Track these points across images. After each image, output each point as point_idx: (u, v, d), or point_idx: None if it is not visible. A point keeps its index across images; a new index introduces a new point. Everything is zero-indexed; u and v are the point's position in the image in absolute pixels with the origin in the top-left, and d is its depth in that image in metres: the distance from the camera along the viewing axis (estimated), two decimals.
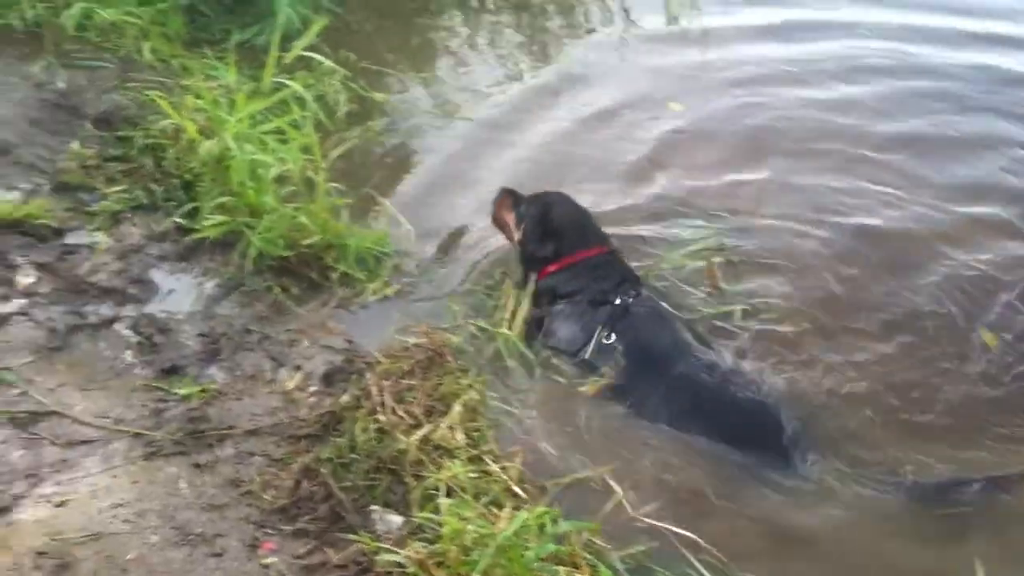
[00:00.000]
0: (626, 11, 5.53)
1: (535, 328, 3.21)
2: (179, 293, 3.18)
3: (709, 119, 4.50)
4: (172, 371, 2.86)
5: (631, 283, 3.29)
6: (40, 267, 3.12)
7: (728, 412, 2.97)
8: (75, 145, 3.63)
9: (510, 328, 3.16)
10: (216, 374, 2.89)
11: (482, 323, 3.21)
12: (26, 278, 3.06)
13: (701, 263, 3.51)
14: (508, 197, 3.49)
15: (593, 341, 3.12)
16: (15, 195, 3.35)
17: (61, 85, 3.91)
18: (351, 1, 5.09)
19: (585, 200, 3.55)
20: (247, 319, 3.11)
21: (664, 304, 3.28)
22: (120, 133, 3.75)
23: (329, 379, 2.92)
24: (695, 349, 3.11)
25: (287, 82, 3.49)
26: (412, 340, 3.04)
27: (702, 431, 2.94)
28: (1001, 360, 3.18)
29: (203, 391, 2.79)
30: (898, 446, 2.89)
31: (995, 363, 3.17)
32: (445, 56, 4.97)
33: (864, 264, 3.61)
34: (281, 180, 3.46)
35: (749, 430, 2.95)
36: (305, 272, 3.35)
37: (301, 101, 3.48)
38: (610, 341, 3.11)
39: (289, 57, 3.47)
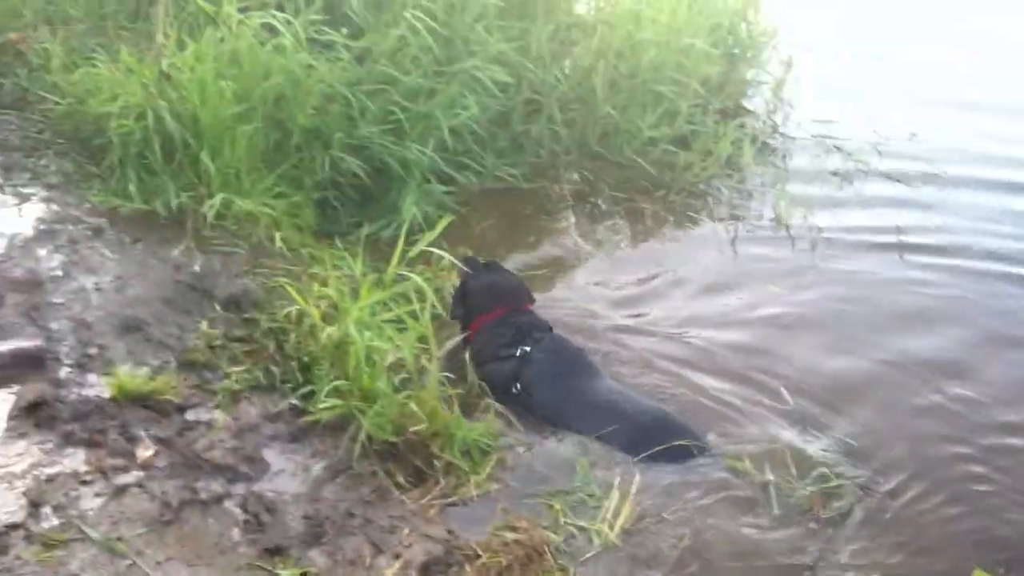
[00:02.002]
0: (734, 213, 5.65)
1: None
2: (288, 473, 3.24)
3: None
4: (276, 551, 2.89)
5: (530, 333, 3.91)
6: (160, 441, 3.23)
7: (639, 414, 3.64)
8: (204, 325, 3.81)
9: (610, 529, 3.13)
10: (317, 557, 2.91)
11: (582, 523, 3.18)
12: (145, 451, 3.18)
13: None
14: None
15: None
16: (144, 370, 3.50)
17: (196, 268, 4.13)
18: (473, 201, 5.34)
19: None
20: (351, 502, 3.14)
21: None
22: (247, 316, 3.93)
23: (427, 570, 2.90)
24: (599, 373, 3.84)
25: (409, 274, 3.63)
26: (512, 536, 3.03)
27: (617, 434, 3.56)
28: None
29: (304, 574, 2.81)
30: None
31: None
32: (558, 255, 5.11)
33: None
34: (395, 367, 3.57)
35: (659, 427, 3.57)
36: (411, 459, 3.38)
37: (420, 293, 3.61)
38: (517, 392, 3.78)
39: (413, 252, 3.63)
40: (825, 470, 3.50)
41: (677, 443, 3.52)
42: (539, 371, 3.82)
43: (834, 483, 3.45)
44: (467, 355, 3.85)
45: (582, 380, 3.81)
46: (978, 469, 3.59)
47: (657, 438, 3.53)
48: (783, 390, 3.95)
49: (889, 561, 3.16)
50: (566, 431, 3.67)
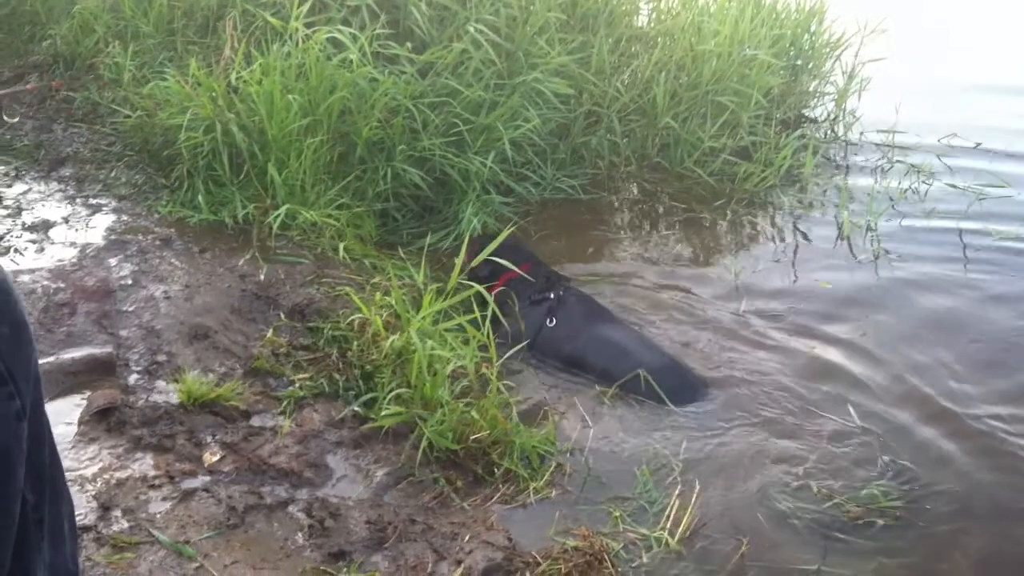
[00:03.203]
0: (796, 227, 5.61)
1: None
2: (351, 479, 3.29)
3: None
4: (340, 556, 2.93)
5: (559, 280, 4.48)
6: (226, 446, 3.30)
7: (650, 354, 4.14)
8: (269, 333, 3.88)
9: (671, 536, 3.13)
10: (380, 562, 2.95)
11: (642, 530, 3.18)
12: (212, 456, 3.24)
13: None
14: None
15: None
16: (210, 377, 3.58)
17: (261, 278, 4.21)
18: (532, 212, 5.37)
19: None
20: (413, 509, 3.18)
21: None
22: (311, 324, 3.99)
23: None
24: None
25: (471, 283, 3.67)
26: (571, 543, 3.04)
27: (626, 370, 3.99)
28: None
29: None
30: None
31: None
32: (616, 264, 5.12)
33: None
34: (456, 376, 3.61)
35: (667, 368, 4.07)
36: (471, 466, 3.42)
37: (482, 301, 3.65)
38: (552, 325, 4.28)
39: (475, 263, 3.68)
40: (876, 491, 3.45)
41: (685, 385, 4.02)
42: (569, 311, 4.33)
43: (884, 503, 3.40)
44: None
45: (606, 322, 4.33)
46: None
47: (667, 379, 3.98)
48: (851, 408, 3.90)
49: None
50: (585, 368, 4.14)
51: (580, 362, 4.18)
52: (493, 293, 4.04)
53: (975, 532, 3.32)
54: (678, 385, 4.02)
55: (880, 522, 3.32)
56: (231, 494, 3.08)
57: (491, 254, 3.83)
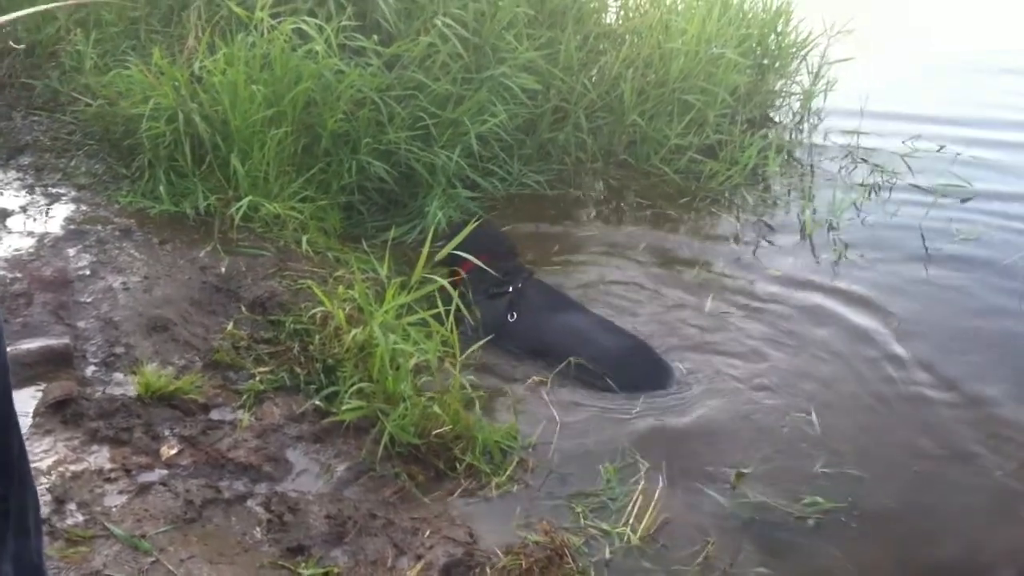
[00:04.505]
0: (759, 222, 5.64)
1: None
2: (311, 473, 3.25)
3: None
4: (298, 551, 2.89)
5: (518, 274, 4.46)
6: (184, 440, 3.26)
7: (620, 339, 4.18)
8: (229, 326, 3.84)
9: (633, 532, 3.12)
10: (340, 557, 2.91)
11: (604, 526, 3.17)
12: (170, 450, 3.20)
13: None
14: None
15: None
16: (169, 370, 3.53)
17: (223, 270, 4.16)
18: (498, 206, 5.36)
19: None
20: (373, 504, 3.15)
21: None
22: (272, 317, 3.95)
23: (448, 571, 2.90)
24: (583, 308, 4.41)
25: (434, 277, 3.64)
26: (533, 537, 3.03)
27: (595, 357, 4.03)
28: None
29: (326, 574, 2.82)
30: None
31: None
32: (581, 258, 5.11)
33: None
34: (418, 370, 3.58)
35: (638, 354, 4.13)
36: (433, 461, 3.39)
37: (444, 295, 3.62)
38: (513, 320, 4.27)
39: (439, 256, 3.66)
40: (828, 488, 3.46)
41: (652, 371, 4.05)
42: (529, 303, 4.33)
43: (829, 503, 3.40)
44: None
45: (568, 310, 4.36)
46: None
47: (634, 365, 4.06)
48: (812, 411, 3.90)
49: None
50: (550, 356, 4.11)
51: (544, 351, 4.17)
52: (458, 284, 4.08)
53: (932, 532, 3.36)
54: (647, 367, 4.08)
55: (845, 520, 3.33)
56: (188, 488, 3.03)
57: (466, 239, 3.85)
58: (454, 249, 3.78)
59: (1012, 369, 4.23)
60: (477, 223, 4.29)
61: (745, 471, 3.51)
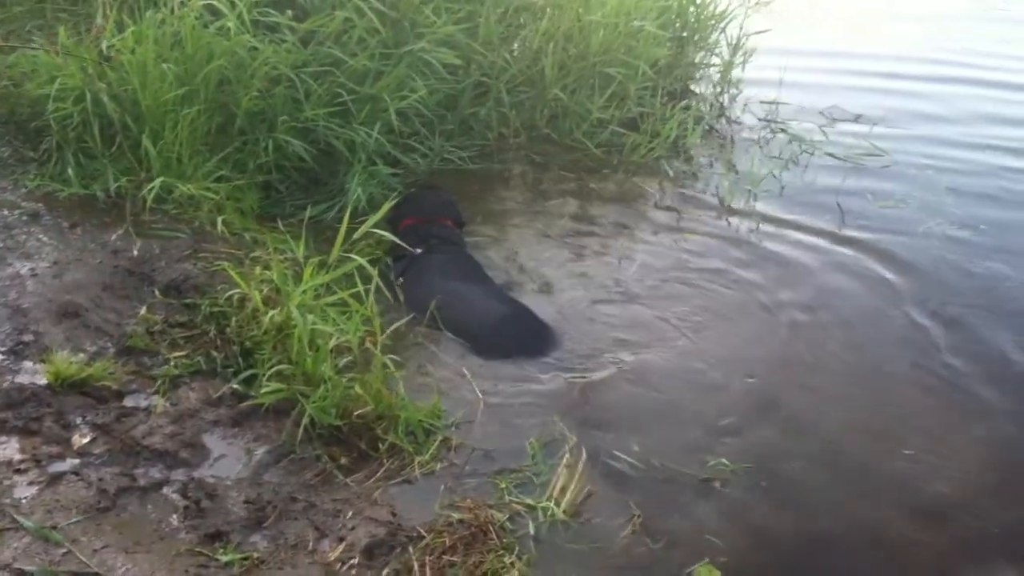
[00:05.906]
0: (678, 193, 5.68)
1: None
2: (229, 458, 3.20)
3: None
4: (216, 537, 2.85)
5: (427, 239, 4.41)
6: (96, 428, 3.18)
7: (503, 305, 4.20)
8: (143, 311, 3.75)
9: (557, 506, 3.12)
10: (259, 542, 2.88)
11: (528, 500, 3.17)
12: (82, 438, 3.12)
13: None
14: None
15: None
16: (81, 357, 3.44)
17: (135, 253, 4.06)
18: (421, 183, 5.30)
19: None
20: (294, 487, 3.11)
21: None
22: (187, 300, 3.87)
23: (371, 552, 2.88)
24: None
25: (353, 256, 3.58)
26: (456, 515, 3.02)
27: (481, 323, 4.08)
28: None
29: (245, 559, 2.78)
30: None
31: None
32: (503, 233, 5.10)
33: None
34: (339, 351, 3.53)
35: (520, 321, 4.14)
36: (355, 442, 3.35)
37: (365, 274, 3.57)
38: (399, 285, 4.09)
39: (358, 233, 3.61)
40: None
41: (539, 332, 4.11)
42: (418, 270, 4.30)
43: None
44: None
45: (454, 280, 4.28)
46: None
47: (511, 329, 4.10)
48: (729, 379, 3.94)
49: None
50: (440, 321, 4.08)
51: (425, 314, 4.09)
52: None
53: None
54: (526, 331, 4.13)
55: (758, 481, 3.38)
56: (102, 477, 2.97)
57: (411, 202, 4.07)
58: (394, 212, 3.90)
59: (922, 334, 4.33)
60: (431, 189, 4.65)
61: (651, 442, 3.54)
